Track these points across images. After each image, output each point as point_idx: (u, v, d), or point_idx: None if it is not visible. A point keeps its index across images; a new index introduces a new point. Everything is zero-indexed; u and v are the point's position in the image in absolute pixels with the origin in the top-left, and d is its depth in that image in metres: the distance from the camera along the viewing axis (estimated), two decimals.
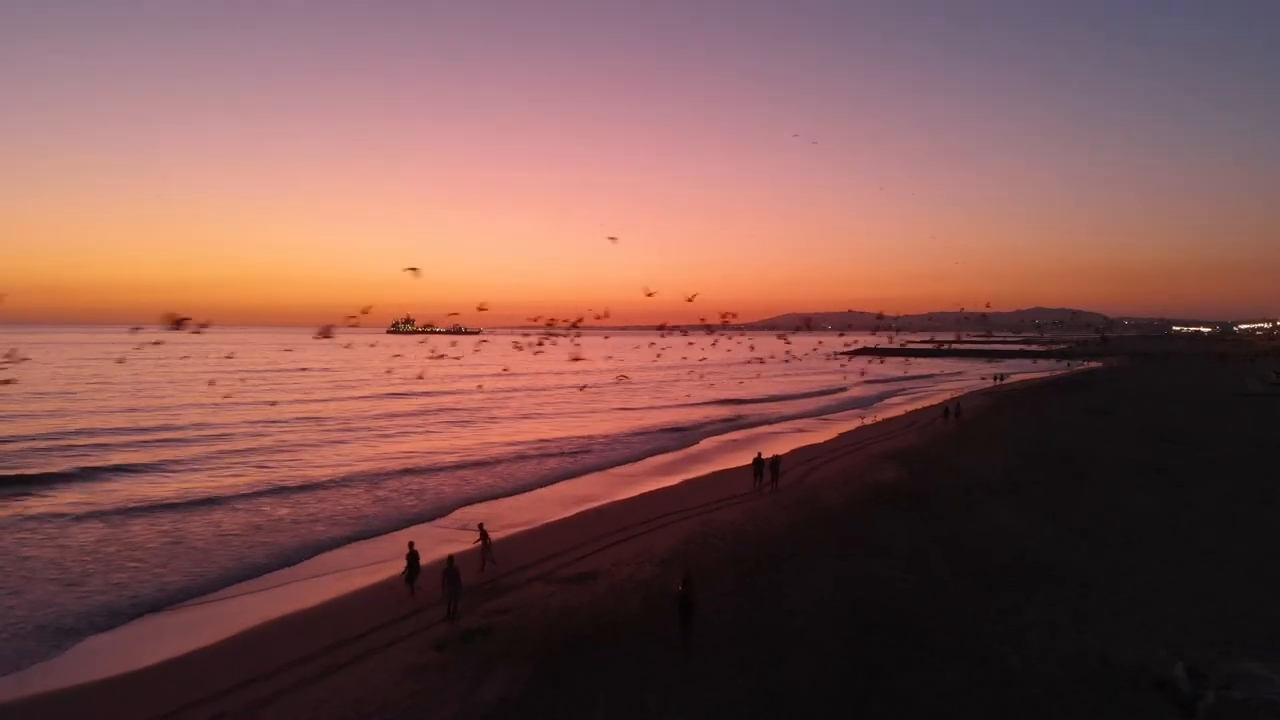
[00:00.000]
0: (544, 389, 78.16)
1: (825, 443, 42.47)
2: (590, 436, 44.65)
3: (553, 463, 36.16)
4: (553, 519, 25.67)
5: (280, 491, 29.55)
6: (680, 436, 45.42)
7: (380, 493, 29.58)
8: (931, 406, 62.52)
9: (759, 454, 28.77)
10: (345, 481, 31.40)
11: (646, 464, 37.03)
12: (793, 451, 39.44)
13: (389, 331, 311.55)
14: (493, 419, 52.74)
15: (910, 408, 63.39)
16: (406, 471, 33.60)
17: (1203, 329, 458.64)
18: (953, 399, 64.70)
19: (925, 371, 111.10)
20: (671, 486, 31.02)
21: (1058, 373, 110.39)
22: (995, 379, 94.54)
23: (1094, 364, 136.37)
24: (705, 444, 43.77)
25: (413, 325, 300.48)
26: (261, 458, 36.97)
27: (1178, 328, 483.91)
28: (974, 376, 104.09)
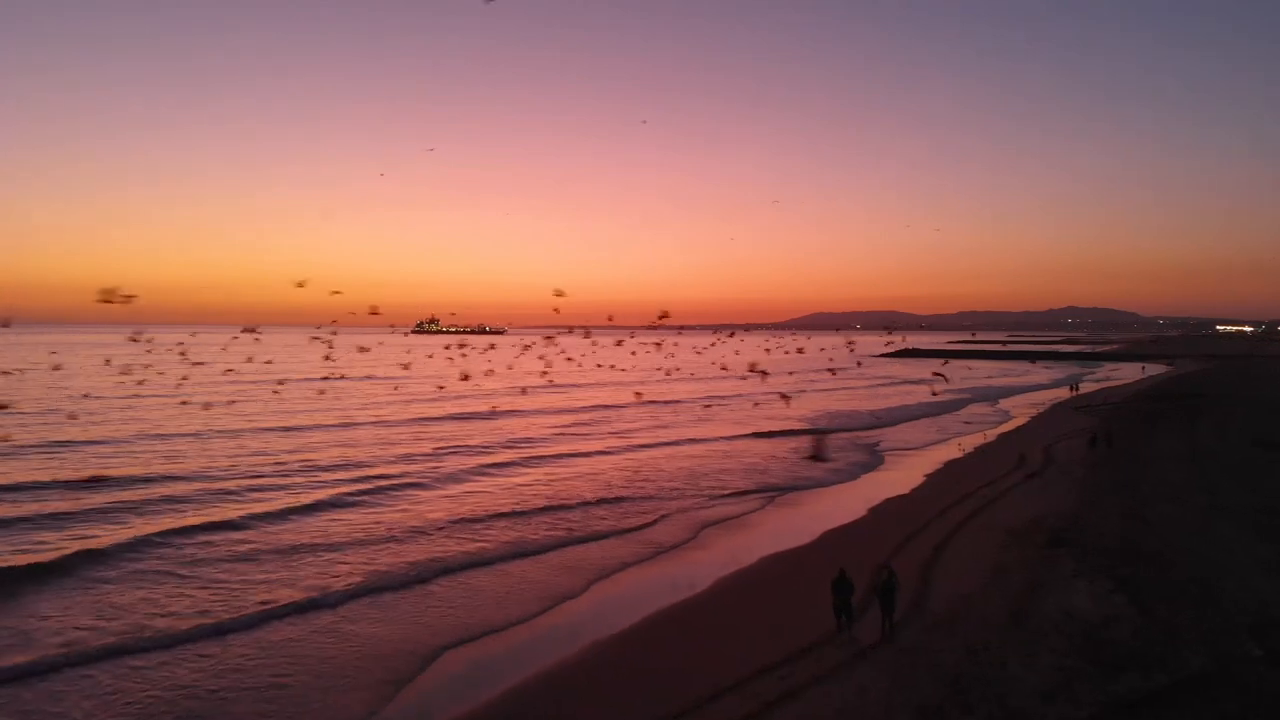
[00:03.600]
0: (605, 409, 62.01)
1: (918, 492, 29.91)
2: (631, 495, 30.18)
3: (545, 568, 21.71)
4: (487, 700, 13.69)
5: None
6: (740, 499, 30.01)
7: (236, 651, 15.85)
8: (1022, 427, 49.74)
9: (842, 570, 15.89)
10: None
11: (684, 550, 23.77)
12: (872, 511, 27.18)
13: (413, 332, 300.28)
14: (512, 460, 38.19)
15: (1003, 428, 50.32)
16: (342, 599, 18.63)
17: (1245, 328, 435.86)
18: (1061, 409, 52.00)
19: (988, 379, 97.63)
20: (702, 596, 18.96)
21: (1137, 379, 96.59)
22: (1071, 388, 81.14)
23: (1165, 367, 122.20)
24: (767, 512, 28.41)
25: (438, 325, 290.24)
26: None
27: (1221, 327, 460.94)
28: (1039, 381, 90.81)
